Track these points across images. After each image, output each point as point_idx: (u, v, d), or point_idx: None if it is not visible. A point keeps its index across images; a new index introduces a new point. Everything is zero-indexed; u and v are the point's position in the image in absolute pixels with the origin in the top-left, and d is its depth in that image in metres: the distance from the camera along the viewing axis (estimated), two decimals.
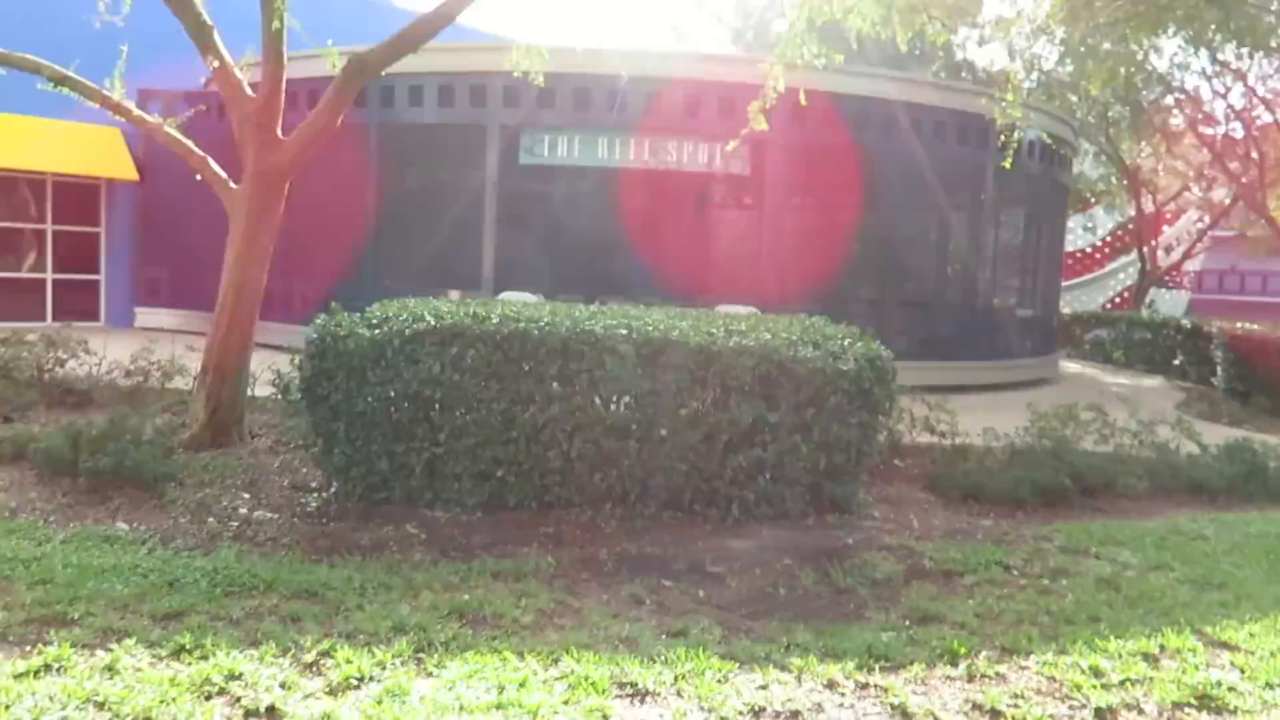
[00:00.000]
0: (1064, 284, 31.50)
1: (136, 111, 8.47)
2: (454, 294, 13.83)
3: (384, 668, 3.99)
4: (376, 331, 6.84)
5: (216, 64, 7.73)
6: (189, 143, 8.46)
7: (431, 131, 13.95)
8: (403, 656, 4.11)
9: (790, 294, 14.45)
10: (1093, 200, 31.26)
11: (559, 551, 6.18)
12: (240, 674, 3.83)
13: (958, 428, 9.58)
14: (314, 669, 3.98)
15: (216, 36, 7.93)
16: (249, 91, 7.88)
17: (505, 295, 13.44)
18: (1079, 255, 36.29)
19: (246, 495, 7.15)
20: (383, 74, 13.64)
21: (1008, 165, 10.40)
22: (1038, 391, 16.12)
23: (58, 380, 9.16)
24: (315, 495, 7.16)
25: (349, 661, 3.98)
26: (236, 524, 6.53)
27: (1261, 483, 8.48)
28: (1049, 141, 16.00)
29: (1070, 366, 21.92)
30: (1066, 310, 27.73)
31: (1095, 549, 6.49)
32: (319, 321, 7.02)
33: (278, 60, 7.62)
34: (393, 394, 6.81)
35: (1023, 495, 7.76)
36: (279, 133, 7.94)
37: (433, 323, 6.83)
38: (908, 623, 5.20)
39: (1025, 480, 7.82)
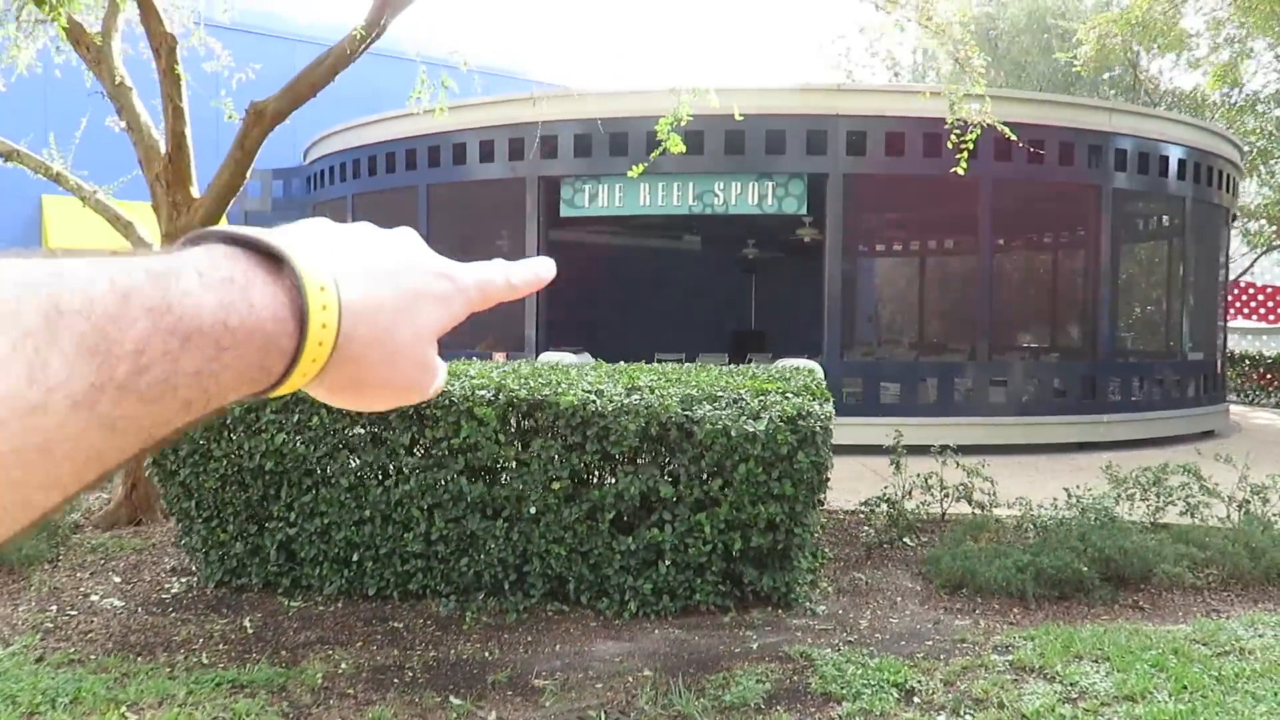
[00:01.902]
0: None
1: (74, 179, 8.36)
2: (499, 357, 13.24)
3: None
4: None
5: (123, 124, 7.46)
6: (116, 208, 8.26)
7: (475, 189, 13.53)
8: None
9: (865, 345, 12.91)
10: None
11: (370, 654, 5.22)
12: None
13: (997, 496, 7.94)
14: None
15: (135, 98, 7.69)
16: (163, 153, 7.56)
17: (545, 356, 12.70)
18: None
19: (118, 579, 6.62)
20: (429, 133, 13.41)
21: (961, 170, 8.65)
22: (1195, 446, 13.66)
23: None
24: (182, 580, 6.54)
25: None
26: (74, 614, 5.98)
27: None
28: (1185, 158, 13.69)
29: (1259, 417, 18.78)
30: (1271, 351, 24.05)
31: (1059, 666, 4.82)
32: None
33: (177, 115, 7.26)
34: (239, 468, 6.12)
35: (1022, 586, 6.08)
36: (193, 192, 7.56)
37: None
38: None
39: (1026, 568, 6.14)
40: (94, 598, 6.26)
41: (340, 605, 6.05)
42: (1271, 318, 28.02)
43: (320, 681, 4.78)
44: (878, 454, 8.82)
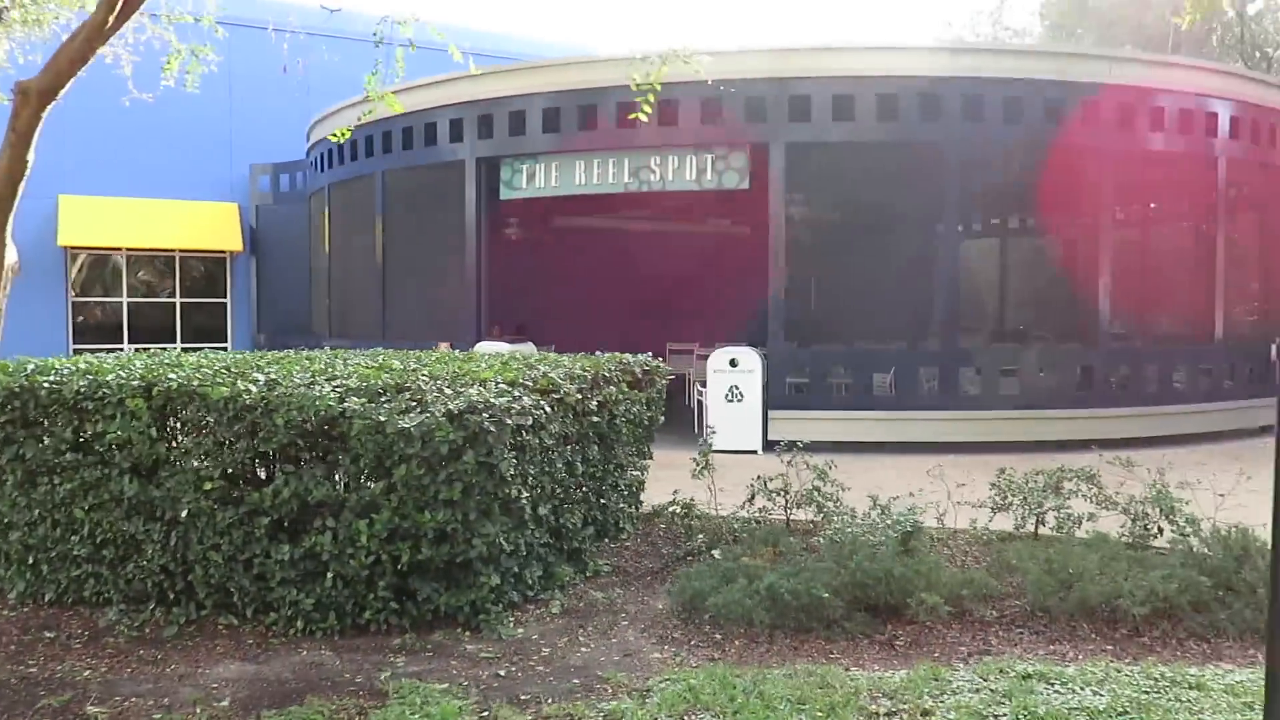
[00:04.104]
0: None
1: None
2: (443, 346, 12.78)
3: None
4: None
5: None
6: None
7: (421, 174, 13.09)
8: None
9: (817, 333, 11.75)
10: None
11: None
12: None
13: (842, 501, 6.86)
14: None
15: None
16: None
17: (480, 346, 12.16)
18: None
19: None
20: (383, 118, 13.06)
21: (643, 116, 7.34)
22: (1257, 444, 11.95)
23: None
24: None
25: None
26: None
27: (1223, 600, 5.03)
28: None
29: None
30: None
31: None
32: None
33: None
34: None
35: (753, 612, 5.11)
36: None
37: None
38: None
39: (759, 592, 5.15)
40: None
41: (25, 610, 5.67)
42: None
43: None
44: (826, 451, 7.70)
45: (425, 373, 5.88)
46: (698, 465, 6.90)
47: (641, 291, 17.23)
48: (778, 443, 7.53)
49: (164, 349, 17.84)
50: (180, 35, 8.08)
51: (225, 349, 18.54)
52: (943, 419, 11.09)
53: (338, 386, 5.33)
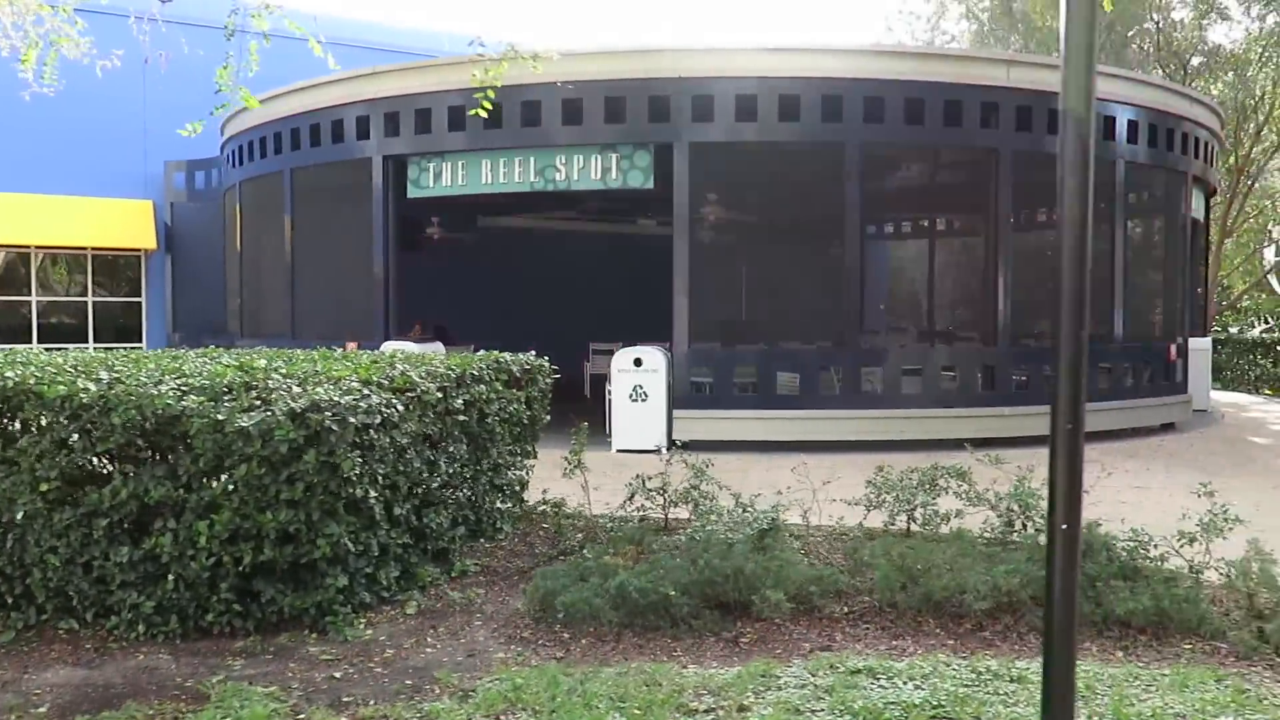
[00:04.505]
0: None
1: None
2: (350, 345, 12.65)
3: None
4: None
5: None
6: None
7: (328, 172, 12.93)
8: None
9: (719, 332, 11.80)
10: None
11: None
12: None
13: (718, 501, 6.86)
14: None
15: None
16: None
17: (386, 345, 12.05)
18: None
19: None
20: (291, 114, 12.90)
21: (482, 113, 7.39)
22: (1155, 442, 12.22)
23: None
24: None
25: None
26: None
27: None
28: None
29: (1261, 409, 16.77)
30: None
31: None
32: None
33: None
34: None
35: (601, 611, 5.10)
36: None
37: None
38: None
39: (607, 591, 5.14)
40: None
41: None
42: None
43: None
44: (733, 450, 7.70)
45: (281, 371, 5.79)
46: (569, 465, 6.87)
47: (569, 291, 17.20)
48: (676, 442, 7.56)
49: (74, 349, 17.47)
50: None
51: (140, 349, 18.16)
52: (847, 418, 11.19)
53: (182, 385, 5.23)
